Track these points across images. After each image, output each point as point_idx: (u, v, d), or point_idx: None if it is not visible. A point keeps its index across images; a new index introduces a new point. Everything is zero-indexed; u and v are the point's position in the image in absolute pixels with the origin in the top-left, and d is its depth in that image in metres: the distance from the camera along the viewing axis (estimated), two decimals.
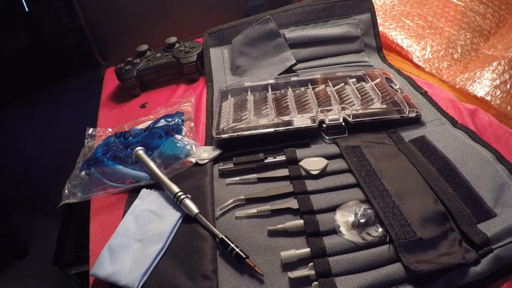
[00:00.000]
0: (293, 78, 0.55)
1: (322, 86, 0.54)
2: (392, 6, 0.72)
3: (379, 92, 0.50)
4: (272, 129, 0.46)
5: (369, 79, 0.53)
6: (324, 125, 0.46)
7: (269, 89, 0.54)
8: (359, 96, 0.50)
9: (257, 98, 0.52)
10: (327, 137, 0.46)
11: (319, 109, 0.48)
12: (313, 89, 0.54)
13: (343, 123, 0.46)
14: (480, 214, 0.35)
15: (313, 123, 0.46)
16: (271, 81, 0.55)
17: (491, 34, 0.65)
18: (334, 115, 0.47)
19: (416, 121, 0.47)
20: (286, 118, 0.47)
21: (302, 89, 0.54)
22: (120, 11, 0.70)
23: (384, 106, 0.47)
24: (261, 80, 0.56)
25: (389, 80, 0.54)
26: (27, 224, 1.12)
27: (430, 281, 0.31)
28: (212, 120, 0.51)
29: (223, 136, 0.46)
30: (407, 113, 0.47)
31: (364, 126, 0.46)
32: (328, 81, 0.54)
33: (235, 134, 0.46)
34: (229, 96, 0.53)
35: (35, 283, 0.99)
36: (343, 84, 0.53)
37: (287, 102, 0.51)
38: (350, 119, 0.46)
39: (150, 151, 0.45)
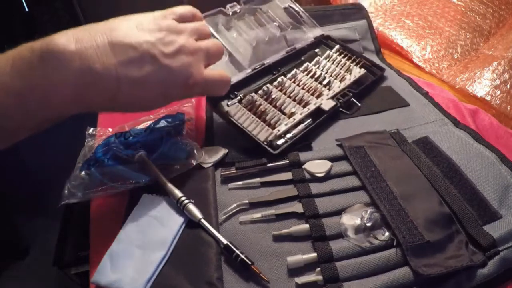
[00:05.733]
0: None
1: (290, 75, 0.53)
2: (392, 6, 0.72)
3: (350, 58, 0.55)
4: (310, 120, 0.47)
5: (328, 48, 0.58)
6: (340, 102, 0.49)
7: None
8: (337, 69, 0.54)
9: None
10: (348, 112, 0.50)
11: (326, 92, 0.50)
12: (292, 81, 0.52)
13: (351, 96, 0.50)
14: (485, 216, 0.35)
15: (334, 102, 0.49)
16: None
17: (491, 34, 0.65)
18: (338, 91, 0.51)
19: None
20: (311, 106, 0.48)
21: (286, 85, 0.52)
22: (120, 11, 0.68)
23: (362, 70, 0.52)
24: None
25: (345, 43, 0.59)
26: (27, 224, 1.10)
27: (438, 284, 0.31)
28: (212, 116, 0.51)
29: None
30: (378, 73, 0.54)
31: (365, 92, 0.52)
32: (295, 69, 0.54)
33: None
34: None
35: (35, 283, 0.98)
36: (310, 64, 0.55)
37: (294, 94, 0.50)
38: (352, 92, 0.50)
39: (150, 152, 0.44)
